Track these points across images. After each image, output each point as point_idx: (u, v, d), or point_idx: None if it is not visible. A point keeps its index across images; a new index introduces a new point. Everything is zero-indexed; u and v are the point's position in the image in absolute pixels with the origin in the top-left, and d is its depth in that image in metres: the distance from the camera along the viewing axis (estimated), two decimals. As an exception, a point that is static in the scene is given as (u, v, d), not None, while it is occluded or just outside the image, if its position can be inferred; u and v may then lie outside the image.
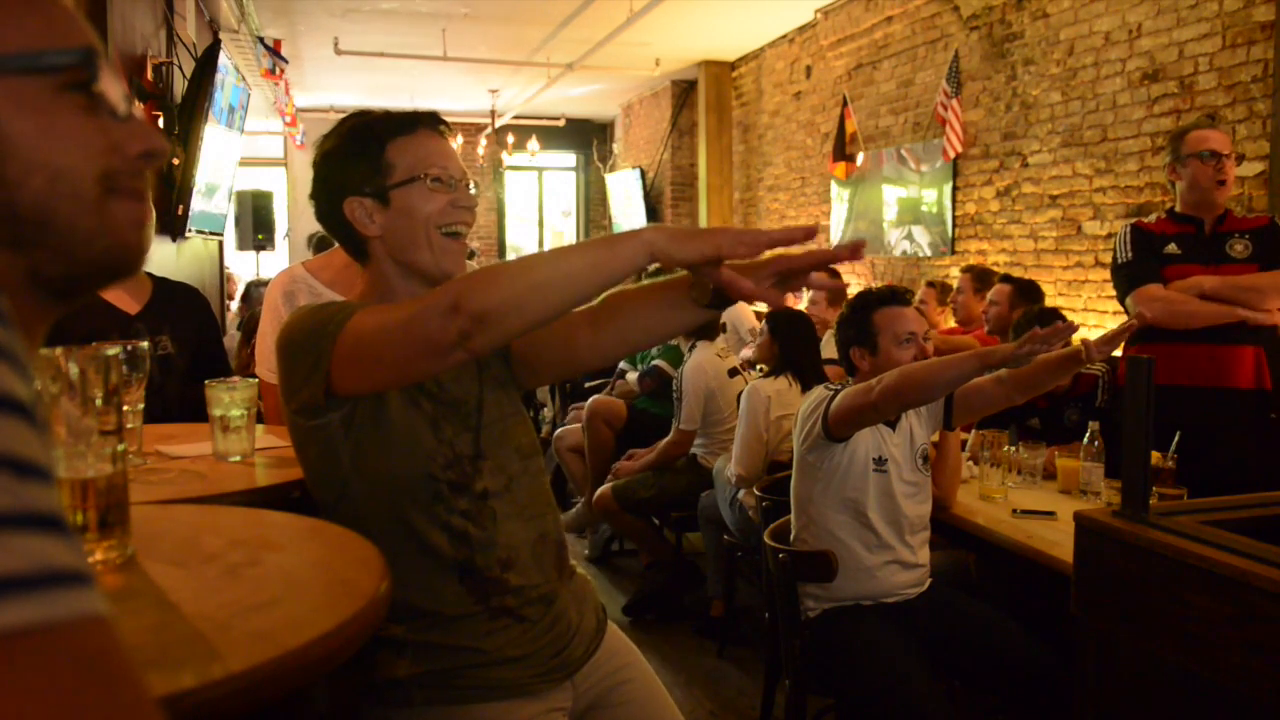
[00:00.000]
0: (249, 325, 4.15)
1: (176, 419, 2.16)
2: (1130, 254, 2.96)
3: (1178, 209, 2.98)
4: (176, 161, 4.68)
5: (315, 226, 5.56)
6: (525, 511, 1.39)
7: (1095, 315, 4.66)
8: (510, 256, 7.28)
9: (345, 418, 1.27)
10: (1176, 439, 2.49)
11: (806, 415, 2.36)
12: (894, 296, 2.41)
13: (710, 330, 4.11)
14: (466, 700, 1.31)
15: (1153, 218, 3.06)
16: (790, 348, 3.53)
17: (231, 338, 4.85)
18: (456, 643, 1.31)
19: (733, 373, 4.05)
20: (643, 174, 10.08)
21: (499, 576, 1.33)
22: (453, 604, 1.31)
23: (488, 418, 1.38)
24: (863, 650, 2.17)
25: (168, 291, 2.44)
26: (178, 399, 2.28)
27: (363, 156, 1.33)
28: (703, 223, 9.01)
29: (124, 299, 2.34)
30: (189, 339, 2.38)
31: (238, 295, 7.27)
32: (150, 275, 2.45)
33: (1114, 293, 4.26)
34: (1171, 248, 2.92)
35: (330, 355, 1.21)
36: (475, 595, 1.32)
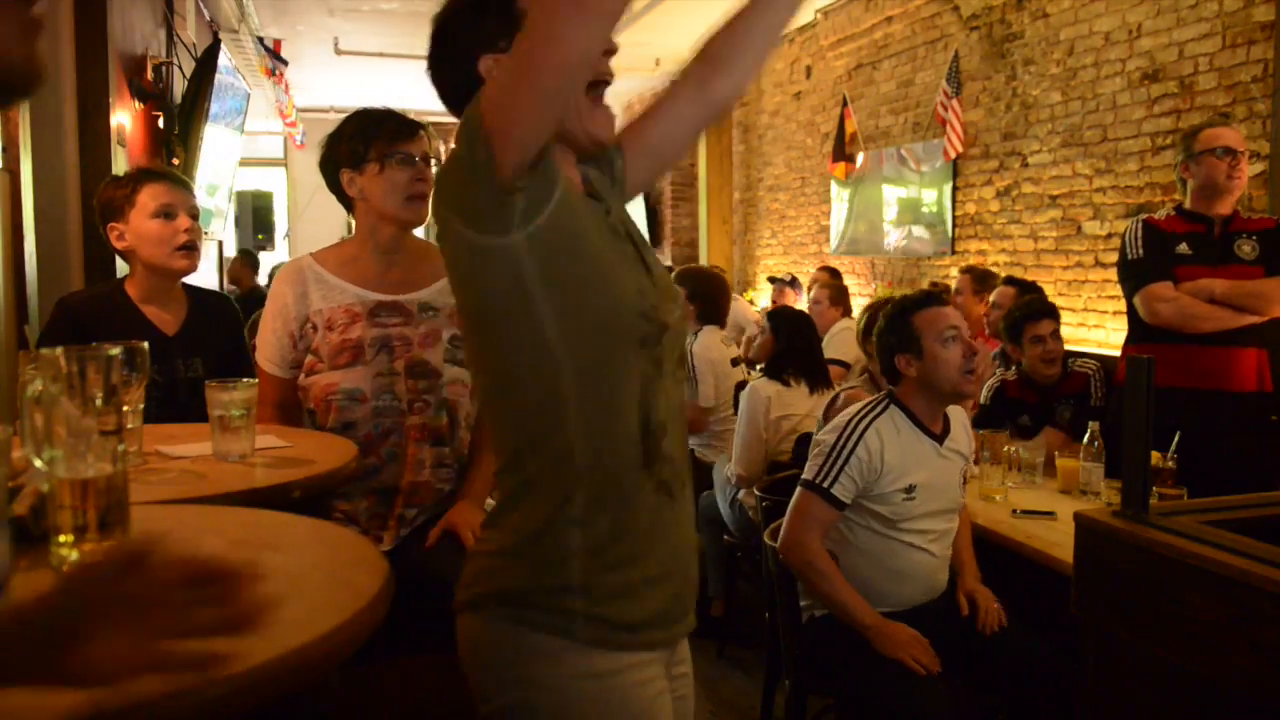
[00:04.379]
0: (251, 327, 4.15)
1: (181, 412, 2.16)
2: (1141, 251, 2.94)
3: (1187, 206, 2.98)
4: (176, 161, 4.68)
5: (316, 226, 5.53)
6: (676, 372, 1.25)
7: (1095, 315, 4.66)
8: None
9: (533, 239, 1.09)
10: (1176, 439, 2.49)
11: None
12: (930, 298, 2.38)
13: (718, 316, 4.14)
14: (621, 645, 1.16)
15: (1162, 214, 3.05)
16: (792, 346, 3.53)
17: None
18: (629, 524, 1.16)
19: (734, 362, 4.07)
20: (643, 174, 10.05)
21: (659, 439, 1.19)
22: (630, 467, 1.16)
23: (649, 256, 1.26)
24: (867, 649, 2.15)
25: (202, 306, 2.41)
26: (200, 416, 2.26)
27: (492, 6, 1.20)
28: (702, 222, 9.02)
29: (164, 318, 2.31)
30: (219, 357, 2.36)
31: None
32: (185, 287, 2.41)
33: (1114, 293, 4.27)
34: (1183, 247, 2.91)
35: (480, 118, 1.06)
36: (646, 456, 1.17)
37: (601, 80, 1.20)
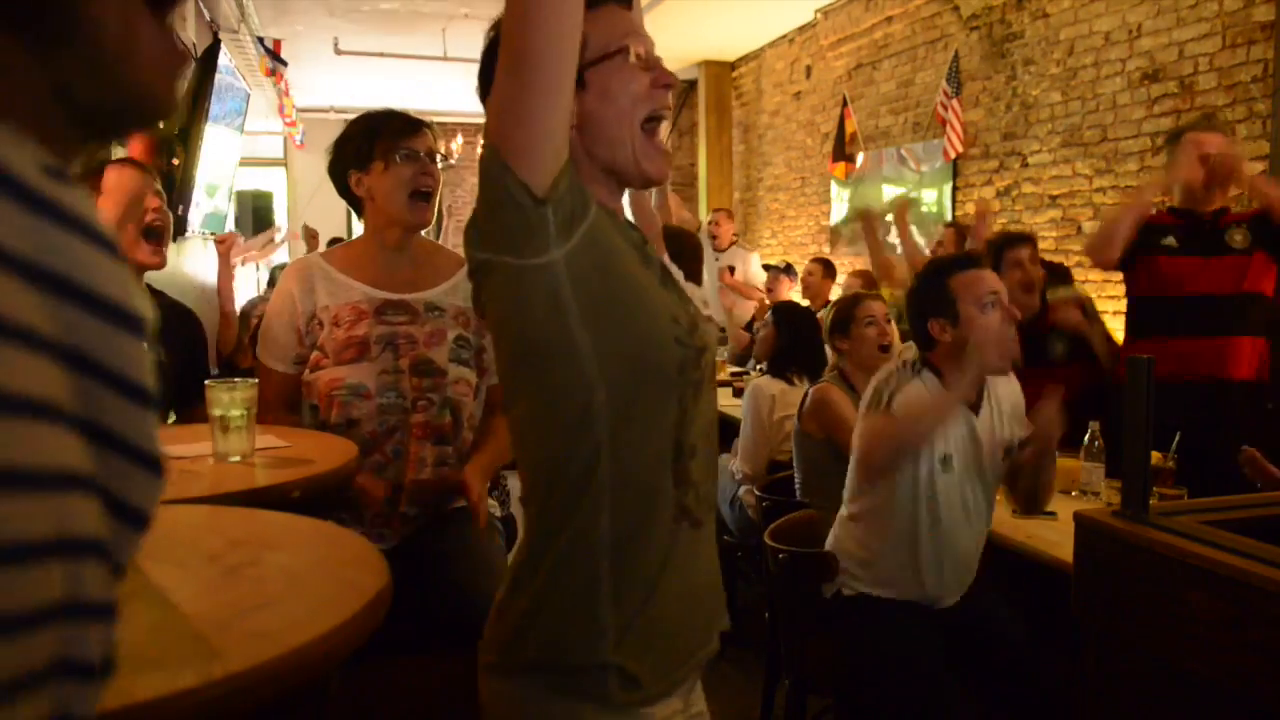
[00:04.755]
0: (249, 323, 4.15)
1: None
2: None
3: (1174, 204, 3.00)
4: (176, 162, 4.68)
5: (316, 226, 5.48)
6: (709, 393, 1.21)
7: (1100, 316, 4.65)
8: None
9: (570, 258, 1.05)
10: (1177, 439, 2.49)
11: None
12: (969, 260, 2.23)
13: (695, 275, 4.10)
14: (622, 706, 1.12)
15: (1154, 210, 3.07)
16: (795, 342, 3.52)
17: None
18: (658, 553, 1.13)
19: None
20: (643, 174, 10.06)
21: (688, 464, 1.16)
22: (661, 497, 1.14)
23: (680, 284, 1.25)
24: (889, 645, 2.11)
25: (167, 312, 2.44)
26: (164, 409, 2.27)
27: None
28: (703, 220, 9.01)
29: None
30: (179, 356, 2.38)
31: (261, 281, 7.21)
32: (150, 289, 2.43)
33: (1114, 292, 4.27)
34: (1169, 240, 2.93)
35: (491, 146, 1.04)
36: (677, 486, 1.14)
37: (657, 115, 1.16)
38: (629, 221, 1.24)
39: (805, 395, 2.97)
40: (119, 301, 0.46)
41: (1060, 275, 3.82)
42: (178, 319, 2.49)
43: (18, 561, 0.40)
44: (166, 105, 0.54)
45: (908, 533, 2.15)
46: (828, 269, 5.62)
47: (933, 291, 2.17)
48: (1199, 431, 2.60)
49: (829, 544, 2.30)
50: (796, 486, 2.97)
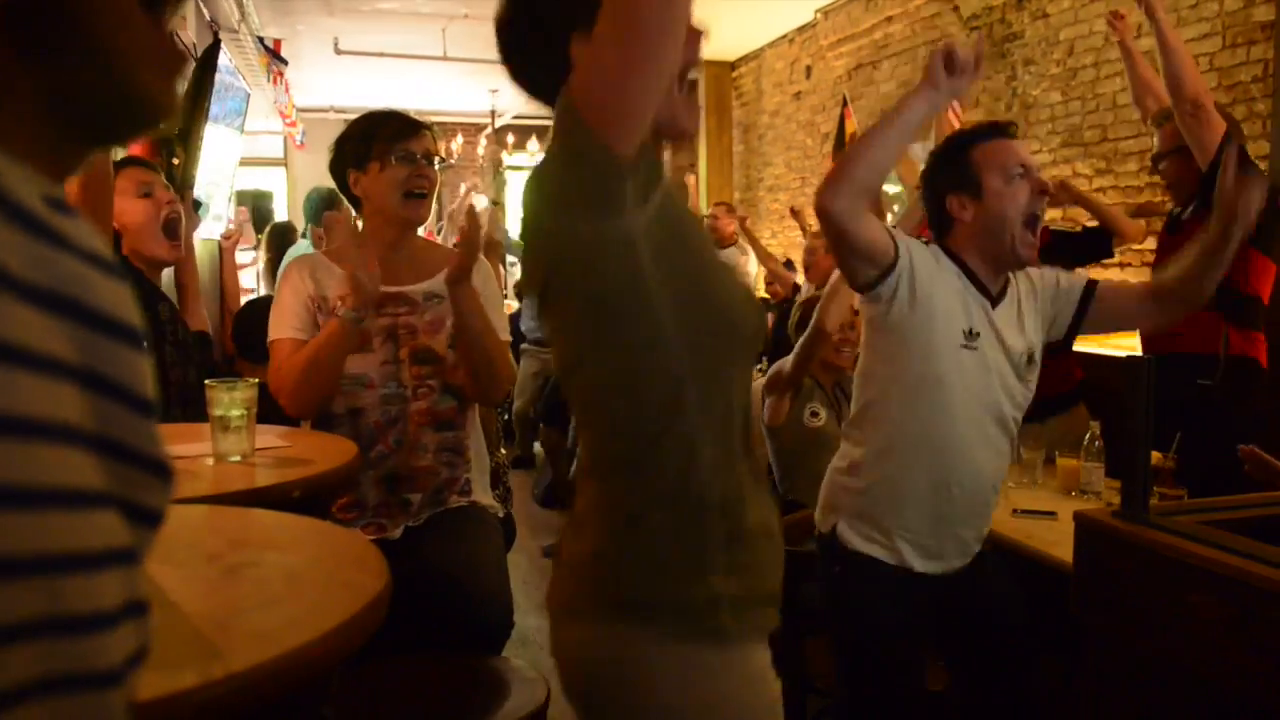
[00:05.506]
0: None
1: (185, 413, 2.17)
2: None
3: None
4: (176, 161, 4.68)
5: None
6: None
7: (1095, 315, 4.66)
8: (510, 255, 7.28)
9: (647, 224, 1.04)
10: (1178, 439, 2.49)
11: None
12: (995, 128, 1.94)
13: None
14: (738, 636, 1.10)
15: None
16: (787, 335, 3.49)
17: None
18: (745, 510, 1.13)
19: None
20: (643, 174, 10.06)
21: (749, 431, 1.18)
22: (738, 457, 1.14)
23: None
24: (872, 628, 1.90)
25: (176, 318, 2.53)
26: (196, 387, 2.27)
27: None
28: (703, 214, 9.01)
29: (157, 277, 2.46)
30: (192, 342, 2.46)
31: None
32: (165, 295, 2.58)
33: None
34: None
35: (575, 106, 1.01)
36: (744, 447, 1.15)
37: (689, 68, 1.15)
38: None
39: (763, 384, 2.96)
40: (125, 320, 0.48)
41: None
42: (188, 329, 2.57)
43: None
44: (166, 107, 0.54)
45: (916, 435, 1.82)
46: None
47: (952, 164, 1.91)
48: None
49: (823, 487, 1.99)
50: (775, 481, 2.97)
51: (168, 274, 2.84)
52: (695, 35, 1.11)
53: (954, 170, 1.90)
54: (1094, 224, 3.56)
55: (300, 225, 5.35)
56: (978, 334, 1.83)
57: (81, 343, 0.45)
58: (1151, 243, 4.27)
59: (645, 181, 1.04)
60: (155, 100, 0.53)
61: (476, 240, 2.02)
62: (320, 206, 4.50)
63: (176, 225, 2.42)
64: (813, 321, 2.20)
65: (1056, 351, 2.15)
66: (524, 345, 5.66)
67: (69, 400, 0.43)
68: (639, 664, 1.08)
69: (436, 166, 2.17)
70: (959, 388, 1.81)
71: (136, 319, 0.49)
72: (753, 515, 1.14)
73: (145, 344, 0.49)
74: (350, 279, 1.98)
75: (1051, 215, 3.82)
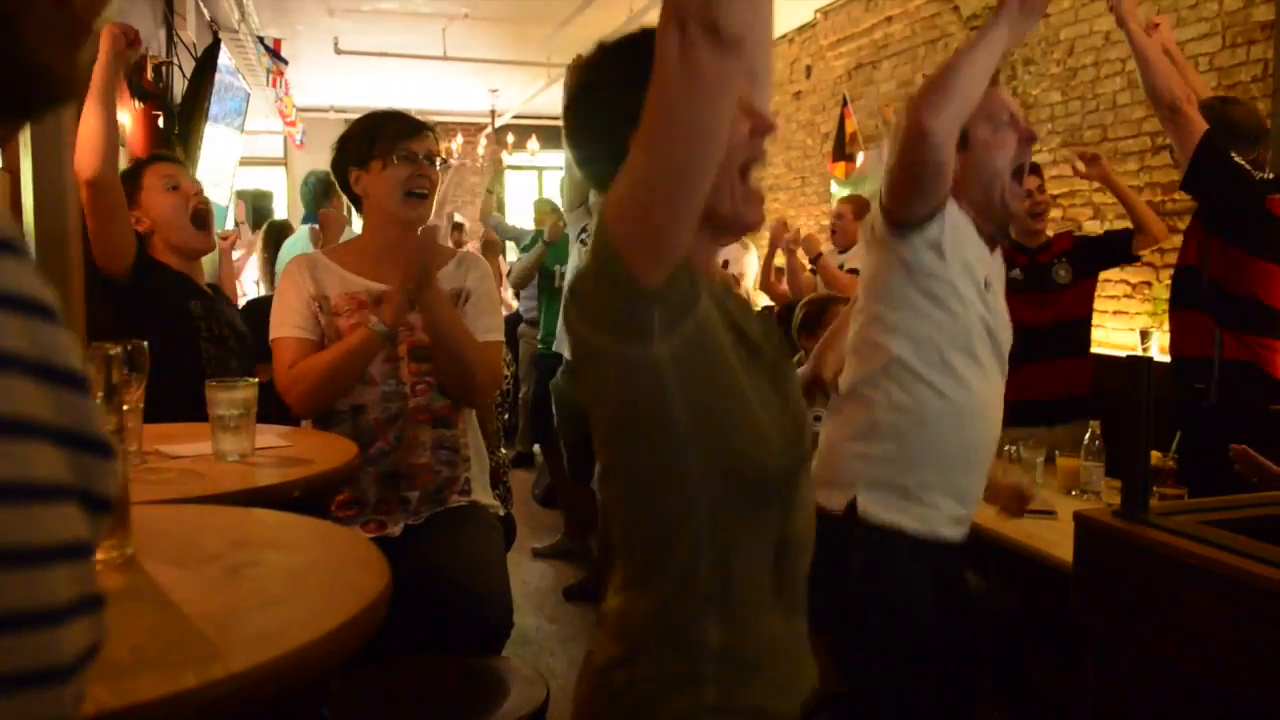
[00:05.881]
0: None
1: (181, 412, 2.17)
2: None
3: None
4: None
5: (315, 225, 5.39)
6: (807, 485, 1.17)
7: (1095, 315, 4.65)
8: (510, 255, 7.28)
9: (676, 354, 1.00)
10: (1177, 438, 2.49)
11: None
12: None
13: None
14: None
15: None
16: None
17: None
18: (759, 648, 1.10)
19: None
20: (643, 174, 10.04)
21: (794, 563, 1.12)
22: (761, 594, 1.10)
23: (785, 369, 1.19)
24: (916, 612, 1.75)
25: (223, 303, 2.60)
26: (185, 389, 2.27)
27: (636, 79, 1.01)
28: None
29: (195, 272, 2.50)
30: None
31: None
32: (213, 287, 2.67)
33: (1114, 293, 4.31)
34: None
35: (607, 228, 0.97)
36: (778, 583, 1.11)
37: (751, 163, 1.10)
38: (730, 288, 1.19)
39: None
40: (39, 298, 0.46)
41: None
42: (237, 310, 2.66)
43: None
44: (67, 79, 0.51)
45: (947, 388, 1.72)
46: (859, 208, 4.92)
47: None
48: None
49: (821, 463, 1.82)
50: None
51: (210, 268, 2.88)
52: (761, 128, 1.07)
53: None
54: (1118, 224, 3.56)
55: (299, 224, 5.36)
56: (990, 285, 1.80)
57: (18, 330, 0.44)
58: (1173, 240, 4.28)
59: (678, 305, 0.99)
60: (55, 71, 0.50)
61: (419, 258, 2.00)
62: (318, 190, 4.50)
63: (205, 215, 2.45)
64: (810, 369, 2.14)
65: None
66: (521, 327, 5.45)
67: (27, 394, 0.43)
68: None
69: (438, 167, 2.19)
70: (984, 337, 1.76)
71: (49, 296, 0.47)
72: (771, 664, 1.11)
73: (59, 318, 0.46)
74: (390, 293, 2.00)
75: (1052, 215, 3.82)
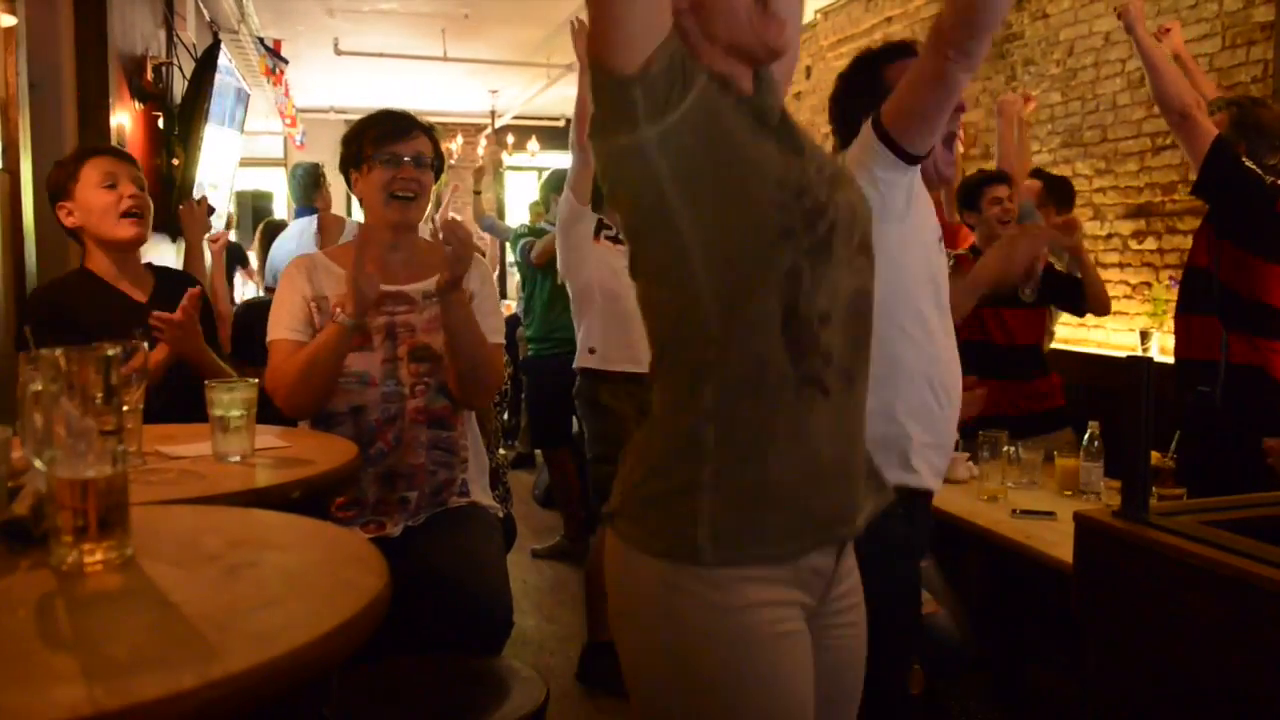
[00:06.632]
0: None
1: (181, 412, 2.15)
2: None
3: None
4: (176, 162, 4.68)
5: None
6: (853, 261, 1.17)
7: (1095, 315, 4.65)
8: (508, 255, 7.27)
9: (665, 136, 1.06)
10: (1177, 438, 2.49)
11: (855, 162, 1.72)
12: (903, 47, 1.88)
13: None
14: (749, 559, 1.10)
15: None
16: None
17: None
18: (765, 423, 1.11)
19: None
20: (643, 174, 10.04)
21: (815, 331, 1.12)
22: (771, 363, 1.11)
23: (806, 141, 1.21)
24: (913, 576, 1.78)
25: (169, 281, 2.46)
26: (184, 389, 2.24)
27: None
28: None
29: (134, 290, 2.36)
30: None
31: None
32: (150, 266, 2.48)
33: (1114, 293, 4.32)
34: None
35: (588, 13, 1.09)
36: (792, 351, 1.11)
37: None
38: (767, 86, 1.20)
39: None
40: None
41: (1063, 194, 3.87)
42: (180, 282, 2.45)
43: None
44: None
45: (917, 339, 1.71)
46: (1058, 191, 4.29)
47: (864, 85, 1.84)
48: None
49: None
50: None
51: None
52: None
53: (866, 90, 1.81)
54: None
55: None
56: (940, 238, 1.83)
57: None
58: (1151, 243, 4.27)
59: (664, 94, 1.05)
60: None
61: (464, 254, 2.00)
62: (307, 182, 4.48)
63: (140, 213, 2.32)
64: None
65: None
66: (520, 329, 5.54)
67: None
68: (626, 568, 1.15)
69: (430, 169, 2.18)
70: (941, 286, 1.78)
71: None
72: (788, 443, 1.12)
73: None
74: (349, 284, 1.98)
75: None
